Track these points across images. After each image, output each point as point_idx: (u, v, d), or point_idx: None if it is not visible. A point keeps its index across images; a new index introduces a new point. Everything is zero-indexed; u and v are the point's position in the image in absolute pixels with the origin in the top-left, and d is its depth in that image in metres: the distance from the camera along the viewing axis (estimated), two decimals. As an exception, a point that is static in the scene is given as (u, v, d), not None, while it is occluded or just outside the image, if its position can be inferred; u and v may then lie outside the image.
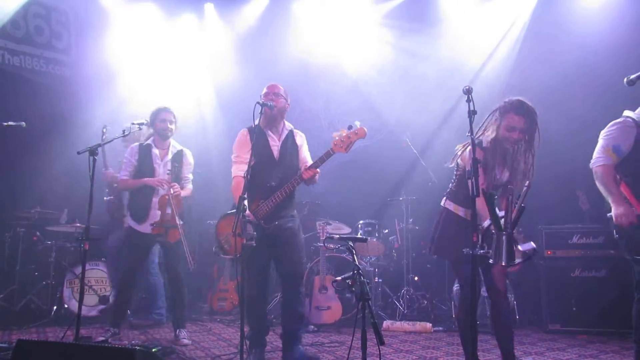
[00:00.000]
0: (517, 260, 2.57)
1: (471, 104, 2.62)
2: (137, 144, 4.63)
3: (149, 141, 4.60)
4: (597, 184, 3.24)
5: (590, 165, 3.28)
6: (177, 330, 4.48)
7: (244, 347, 3.11)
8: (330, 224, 5.65)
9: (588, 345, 4.37)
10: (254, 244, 3.22)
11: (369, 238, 5.65)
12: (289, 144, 3.81)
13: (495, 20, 6.62)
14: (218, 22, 7.43)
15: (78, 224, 5.34)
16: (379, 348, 2.50)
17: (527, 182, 2.85)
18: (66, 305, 5.15)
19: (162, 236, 4.34)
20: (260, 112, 3.55)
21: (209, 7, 7.42)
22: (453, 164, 3.24)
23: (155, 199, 4.44)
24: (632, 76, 3.02)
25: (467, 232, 2.63)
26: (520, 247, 2.63)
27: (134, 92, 6.66)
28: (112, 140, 4.39)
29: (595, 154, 3.28)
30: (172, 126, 4.58)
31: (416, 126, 6.46)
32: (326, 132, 7.13)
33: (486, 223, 2.71)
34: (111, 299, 5.11)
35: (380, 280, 5.76)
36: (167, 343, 4.36)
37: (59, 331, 4.63)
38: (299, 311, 3.72)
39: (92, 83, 6.61)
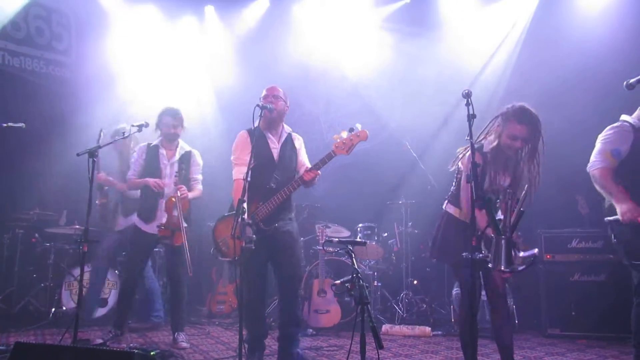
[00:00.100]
0: (519, 268, 2.56)
1: (470, 107, 2.62)
2: (145, 143, 4.63)
3: (157, 142, 4.60)
4: (597, 187, 3.23)
5: (588, 168, 3.27)
6: (176, 334, 4.46)
7: (243, 350, 3.10)
8: (329, 227, 5.65)
9: (587, 349, 4.36)
10: (253, 247, 3.22)
11: (368, 241, 5.65)
12: (288, 146, 3.83)
13: (495, 25, 6.63)
14: (218, 25, 7.45)
15: (77, 226, 5.34)
16: (377, 352, 2.49)
17: (526, 186, 2.84)
18: (64, 308, 5.14)
19: (168, 238, 4.33)
20: (260, 115, 3.55)
21: (210, 10, 7.44)
22: (454, 167, 3.23)
23: (161, 200, 4.44)
24: (632, 80, 3.01)
25: (468, 235, 2.62)
26: (521, 254, 2.62)
27: (133, 94, 6.66)
28: (110, 142, 4.40)
29: (592, 158, 3.26)
30: (176, 130, 4.56)
31: (416, 130, 6.45)
32: (326, 135, 7.14)
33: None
34: (109, 302, 5.10)
35: (379, 283, 5.75)
36: (165, 346, 4.35)
37: (57, 333, 4.61)
38: (297, 314, 3.71)
39: (92, 85, 6.62)
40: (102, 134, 4.78)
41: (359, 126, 3.51)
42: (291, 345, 3.69)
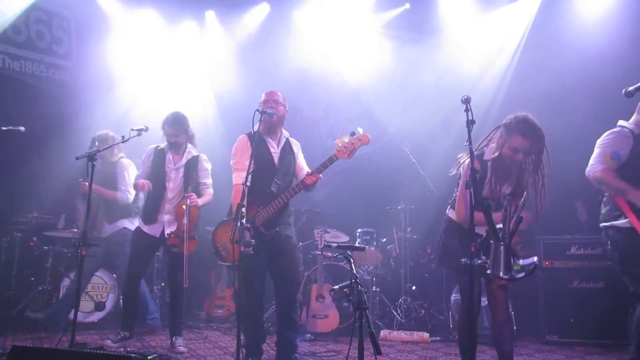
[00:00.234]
0: (519, 275, 2.55)
1: (470, 113, 2.63)
2: (154, 146, 4.62)
3: (164, 145, 4.59)
4: (604, 187, 3.18)
5: (587, 172, 3.25)
6: (173, 338, 4.44)
7: (240, 355, 3.09)
8: (328, 232, 5.64)
9: (586, 356, 4.35)
10: (252, 252, 3.22)
11: (366, 247, 5.65)
12: (287, 151, 3.85)
13: (495, 31, 6.66)
14: (219, 30, 7.47)
15: (75, 230, 5.32)
16: (376, 358, 2.48)
17: (525, 192, 2.84)
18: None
19: (177, 246, 4.31)
20: (260, 120, 3.56)
21: (210, 15, 7.47)
22: (455, 172, 3.22)
23: (164, 203, 4.44)
24: (631, 88, 2.99)
25: (468, 241, 2.62)
26: (521, 262, 2.60)
27: (134, 98, 6.68)
28: (109, 147, 4.42)
29: (591, 161, 3.24)
30: (177, 138, 4.51)
31: (415, 135, 6.45)
32: (325, 139, 7.14)
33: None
34: (107, 306, 5.07)
35: (377, 289, 5.74)
36: (162, 350, 4.34)
37: (54, 337, 4.59)
38: (295, 319, 3.71)
39: (92, 88, 6.64)
40: (97, 144, 4.76)
41: (360, 130, 3.51)
42: (289, 350, 3.68)
